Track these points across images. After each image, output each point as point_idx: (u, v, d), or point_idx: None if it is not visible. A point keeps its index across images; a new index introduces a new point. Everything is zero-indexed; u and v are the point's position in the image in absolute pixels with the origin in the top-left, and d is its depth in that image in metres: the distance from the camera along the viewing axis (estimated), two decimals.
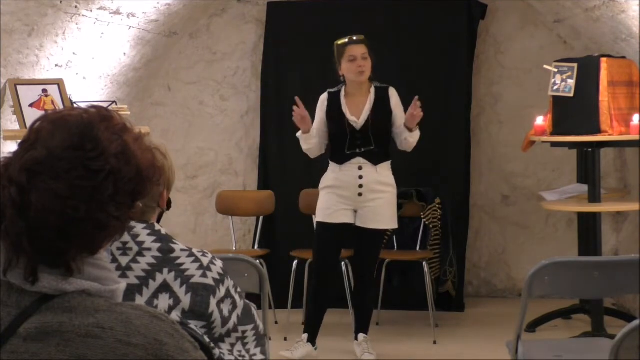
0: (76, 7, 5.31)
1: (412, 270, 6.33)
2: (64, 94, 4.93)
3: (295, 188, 6.46)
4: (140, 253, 2.30)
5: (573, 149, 6.18)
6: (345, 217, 5.31)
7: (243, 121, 7.19)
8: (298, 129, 5.40)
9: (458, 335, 5.99)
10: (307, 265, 5.84)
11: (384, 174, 5.33)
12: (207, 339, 2.26)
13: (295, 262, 6.08)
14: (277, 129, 6.86)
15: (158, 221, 2.41)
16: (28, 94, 4.82)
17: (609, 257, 5.96)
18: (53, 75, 5.32)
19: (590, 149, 5.61)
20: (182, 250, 2.34)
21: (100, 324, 1.36)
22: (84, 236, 1.39)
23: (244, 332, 2.36)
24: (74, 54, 5.56)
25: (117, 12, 5.70)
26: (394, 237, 6.36)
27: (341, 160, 5.33)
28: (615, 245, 6.92)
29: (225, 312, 2.31)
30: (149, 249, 2.31)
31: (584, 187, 5.77)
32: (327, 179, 5.39)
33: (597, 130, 5.48)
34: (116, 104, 5.42)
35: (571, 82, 5.58)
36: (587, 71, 5.53)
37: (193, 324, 2.25)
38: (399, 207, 6.28)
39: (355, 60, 5.26)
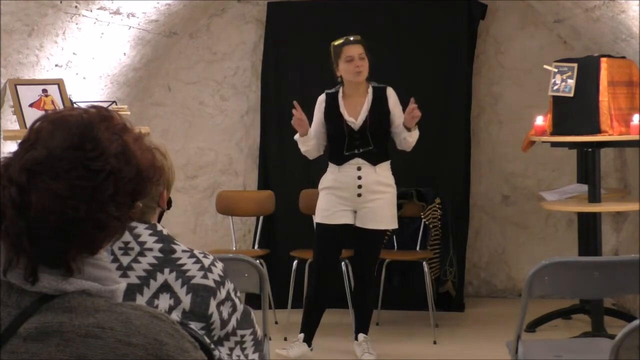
0: (76, 7, 5.31)
1: (412, 270, 6.33)
2: (64, 94, 4.93)
3: (295, 188, 6.46)
4: (141, 253, 2.30)
5: (573, 149, 6.18)
6: (344, 218, 5.31)
7: (243, 121, 7.19)
8: (297, 131, 5.40)
9: (458, 335, 5.99)
10: (307, 265, 5.84)
11: (383, 174, 5.33)
12: (207, 340, 2.26)
13: (295, 262, 6.08)
14: (277, 129, 6.86)
15: (159, 221, 2.42)
16: (28, 94, 4.82)
17: (609, 257, 5.96)
18: (53, 75, 5.32)
19: (590, 149, 5.61)
20: (183, 251, 2.34)
21: (100, 324, 1.36)
22: (84, 236, 1.39)
23: (242, 336, 2.37)
24: (74, 54, 5.56)
25: (117, 12, 5.70)
26: (394, 237, 6.36)
27: (340, 161, 5.32)
28: (615, 245, 6.92)
29: (225, 315, 2.32)
30: (151, 249, 2.31)
31: (584, 187, 5.77)
32: (326, 180, 5.39)
33: (597, 130, 5.48)
34: (116, 104, 5.42)
35: (571, 82, 5.58)
36: (587, 71, 5.53)
37: (192, 326, 2.25)
38: (399, 207, 6.29)
39: (352, 60, 5.26)
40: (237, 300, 2.37)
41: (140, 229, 2.32)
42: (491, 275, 7.13)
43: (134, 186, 1.43)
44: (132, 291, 2.25)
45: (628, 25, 5.48)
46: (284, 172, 6.86)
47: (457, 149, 6.74)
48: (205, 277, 2.31)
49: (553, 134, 5.73)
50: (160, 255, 2.31)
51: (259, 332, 2.45)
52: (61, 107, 4.57)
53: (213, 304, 2.30)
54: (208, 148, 7.21)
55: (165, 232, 2.36)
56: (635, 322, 2.72)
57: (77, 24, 5.43)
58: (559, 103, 5.68)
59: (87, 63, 5.76)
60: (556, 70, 5.66)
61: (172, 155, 2.49)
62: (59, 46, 5.39)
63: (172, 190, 2.48)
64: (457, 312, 6.55)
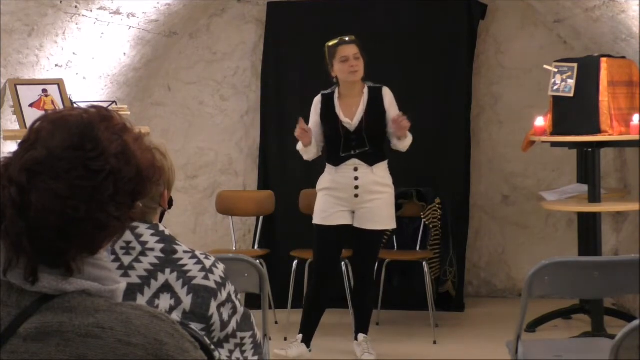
0: (76, 7, 5.31)
1: (412, 270, 6.33)
2: (64, 94, 4.92)
3: (295, 188, 6.46)
4: (143, 253, 2.30)
5: (573, 149, 6.18)
6: (342, 219, 5.30)
7: (243, 121, 7.19)
8: (297, 139, 5.40)
9: (458, 335, 5.99)
10: (307, 265, 5.84)
11: (380, 174, 5.32)
12: (207, 340, 2.26)
13: (295, 262, 6.08)
14: (277, 129, 6.86)
15: (160, 221, 2.42)
16: (28, 94, 4.82)
17: (609, 257, 5.96)
18: (53, 75, 5.32)
19: (590, 149, 5.61)
20: (184, 251, 2.34)
21: (100, 324, 1.36)
22: (84, 236, 1.39)
23: (242, 338, 2.37)
24: (74, 54, 5.56)
25: (117, 12, 5.70)
26: (394, 237, 6.36)
27: (337, 162, 5.32)
28: (615, 245, 6.92)
29: (225, 316, 2.32)
30: (152, 249, 2.31)
31: (584, 187, 5.77)
32: (323, 181, 5.39)
33: (597, 130, 5.48)
34: (116, 104, 5.42)
35: (571, 82, 5.58)
36: (587, 71, 5.53)
37: (192, 326, 2.25)
38: (399, 207, 6.29)
39: (347, 60, 5.25)
40: (237, 303, 2.37)
41: (142, 228, 2.32)
42: (491, 275, 7.13)
43: (134, 186, 1.43)
44: (132, 291, 2.26)
45: (628, 25, 5.48)
46: (284, 172, 6.86)
47: (457, 149, 6.74)
48: (206, 278, 2.31)
49: (553, 134, 5.73)
50: (161, 255, 2.31)
51: (259, 335, 2.45)
52: (61, 107, 4.57)
53: (214, 305, 2.30)
54: (208, 148, 7.21)
55: (167, 232, 2.36)
56: (635, 322, 2.72)
57: (77, 24, 5.43)
58: (559, 103, 5.68)
59: (87, 63, 5.76)
60: (556, 70, 5.66)
61: (172, 155, 2.49)
62: (59, 46, 5.39)
63: (172, 190, 2.48)
64: (457, 312, 6.55)
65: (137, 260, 2.30)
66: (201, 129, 7.19)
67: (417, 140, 6.56)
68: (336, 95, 5.36)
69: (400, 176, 6.32)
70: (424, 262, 5.99)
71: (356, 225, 5.31)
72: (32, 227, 1.37)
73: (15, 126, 4.91)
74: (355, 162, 5.29)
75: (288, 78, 6.89)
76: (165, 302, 2.27)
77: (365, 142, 5.26)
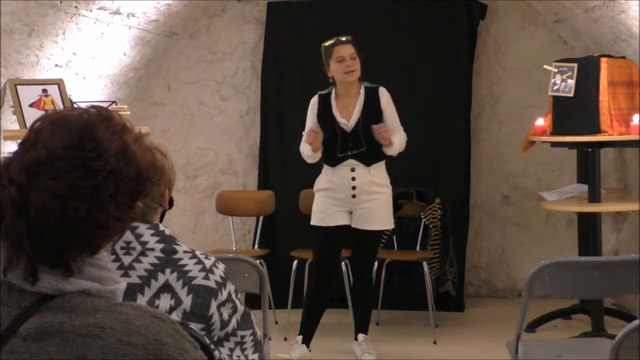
0: (76, 7, 5.31)
1: (412, 270, 6.33)
2: (64, 94, 4.92)
3: (295, 188, 6.46)
4: (143, 253, 2.30)
5: (573, 149, 6.17)
6: (340, 220, 5.30)
7: (243, 121, 7.19)
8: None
9: (458, 335, 5.99)
10: (307, 265, 5.84)
11: (377, 174, 5.31)
12: (207, 340, 2.26)
13: (295, 262, 6.08)
14: (277, 129, 6.86)
15: (160, 220, 2.42)
16: (28, 94, 4.82)
17: (609, 257, 5.96)
18: (53, 75, 5.32)
19: (590, 149, 5.61)
20: (185, 252, 2.34)
21: (100, 324, 1.36)
22: (84, 236, 1.39)
23: (242, 337, 2.37)
24: (74, 54, 5.56)
25: (117, 12, 5.70)
26: (394, 237, 6.36)
27: (334, 162, 5.31)
28: (615, 245, 6.92)
29: (225, 316, 2.32)
30: (152, 249, 2.31)
31: (584, 187, 5.77)
32: (321, 182, 5.39)
33: (597, 130, 5.48)
34: (116, 104, 5.42)
35: (571, 82, 5.58)
36: (587, 71, 5.53)
37: (192, 326, 2.25)
38: (399, 207, 6.29)
39: (343, 60, 5.23)
40: (237, 302, 2.37)
41: (142, 228, 2.32)
42: (491, 275, 7.13)
43: (134, 186, 1.43)
44: (133, 291, 2.26)
45: (628, 25, 5.48)
46: (284, 172, 6.86)
47: (457, 149, 6.74)
48: (206, 278, 2.31)
49: (553, 134, 5.73)
50: (161, 255, 2.31)
51: (259, 333, 2.45)
52: (61, 107, 4.57)
53: (214, 305, 2.29)
54: (208, 148, 7.21)
55: (167, 232, 2.36)
56: (635, 322, 2.72)
57: (77, 24, 5.43)
58: (559, 103, 5.68)
59: (87, 63, 5.76)
60: (556, 70, 5.66)
61: (172, 155, 2.49)
62: (59, 46, 5.39)
63: (173, 190, 2.48)
64: (457, 312, 6.55)
65: (137, 260, 2.30)
66: (201, 129, 7.19)
67: (417, 140, 6.58)
68: (333, 95, 5.35)
69: (400, 176, 6.32)
70: (424, 262, 5.99)
71: (354, 225, 5.31)
72: (32, 227, 1.37)
73: (15, 126, 4.91)
74: (352, 162, 5.28)
75: (288, 78, 6.89)
76: (165, 302, 2.27)
77: (362, 143, 5.25)
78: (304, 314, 5.43)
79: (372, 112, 5.29)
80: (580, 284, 3.70)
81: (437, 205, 6.34)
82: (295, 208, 6.36)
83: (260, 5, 7.08)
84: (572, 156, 6.56)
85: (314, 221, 5.37)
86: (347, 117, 5.29)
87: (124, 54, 6.22)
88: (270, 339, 3.75)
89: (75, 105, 4.17)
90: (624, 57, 5.70)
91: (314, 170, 5.74)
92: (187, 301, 2.28)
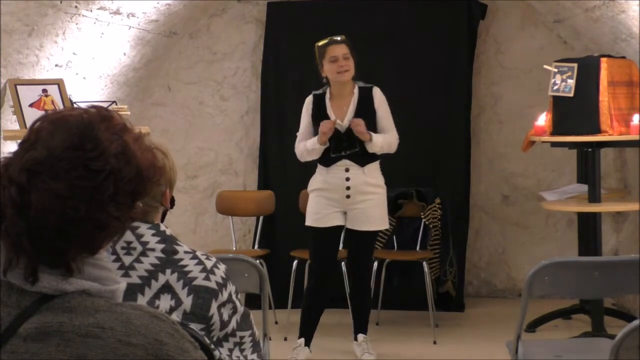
0: (76, 7, 5.31)
1: (412, 270, 6.33)
2: (64, 94, 4.92)
3: (295, 188, 6.45)
4: (143, 253, 2.30)
5: (573, 149, 6.18)
6: (336, 220, 5.29)
7: (243, 121, 7.19)
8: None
9: (458, 335, 5.99)
10: (307, 265, 5.84)
11: (371, 174, 5.30)
12: (207, 340, 2.26)
13: (295, 262, 6.08)
14: (277, 129, 6.86)
15: (162, 220, 2.41)
16: (28, 94, 4.82)
17: (609, 257, 5.96)
18: (53, 75, 5.32)
19: (590, 149, 5.61)
20: (185, 252, 2.34)
21: (100, 324, 1.36)
22: (84, 236, 1.39)
23: (241, 337, 2.36)
24: (74, 54, 5.56)
25: (117, 12, 5.70)
26: (394, 237, 6.36)
27: (328, 162, 5.30)
28: (615, 245, 6.92)
29: (225, 316, 2.31)
30: (153, 250, 2.31)
31: (584, 187, 5.77)
32: (315, 182, 5.38)
33: (597, 130, 5.48)
34: (116, 104, 5.42)
35: (571, 82, 5.58)
36: (587, 71, 5.53)
37: (192, 327, 2.24)
38: (399, 207, 6.29)
39: (336, 60, 5.22)
40: (237, 303, 2.37)
41: (143, 228, 2.32)
42: (491, 275, 7.13)
43: (134, 186, 1.43)
44: (133, 291, 2.25)
45: (628, 25, 5.48)
46: (284, 172, 6.85)
47: (457, 149, 6.74)
48: (207, 278, 2.30)
49: (553, 134, 5.73)
50: (162, 255, 2.31)
51: (257, 334, 2.45)
52: (61, 107, 4.57)
53: (214, 305, 2.29)
54: (208, 148, 7.21)
55: (168, 232, 2.36)
56: (635, 322, 2.72)
57: (77, 24, 5.43)
58: (559, 103, 5.68)
59: (87, 63, 5.76)
60: (556, 70, 5.66)
61: (172, 155, 2.49)
62: (59, 46, 5.39)
63: (173, 190, 2.47)
64: (457, 312, 6.55)
65: (137, 260, 2.30)
66: (201, 129, 7.19)
67: (417, 140, 6.59)
68: (327, 95, 5.34)
69: (400, 176, 6.33)
70: (424, 262, 5.98)
71: (349, 226, 5.30)
72: (32, 227, 1.37)
73: (15, 126, 4.91)
74: (346, 162, 5.27)
75: (288, 78, 6.88)
76: (165, 302, 2.27)
77: (356, 143, 5.23)
78: (303, 315, 5.43)
79: (365, 112, 5.27)
80: (580, 284, 3.70)
81: (437, 205, 6.34)
82: (295, 208, 6.36)
83: (260, 5, 7.08)
84: (572, 156, 6.56)
85: (309, 222, 5.37)
86: (341, 117, 5.27)
87: (124, 54, 6.22)
88: (270, 339, 3.75)
89: (75, 105, 4.17)
90: (624, 57, 5.70)
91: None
92: (187, 302, 2.27)
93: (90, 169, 1.38)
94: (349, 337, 5.59)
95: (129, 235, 2.30)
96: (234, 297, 2.35)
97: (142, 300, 2.25)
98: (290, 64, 6.89)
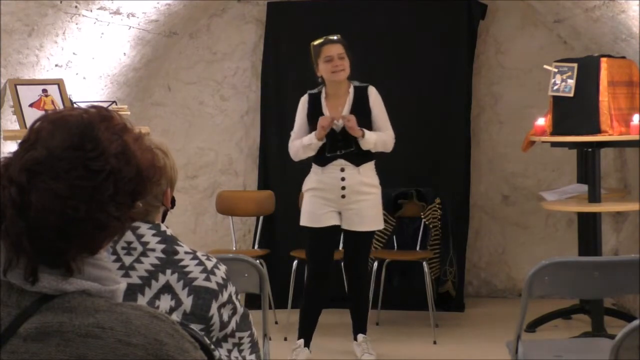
0: (76, 7, 5.31)
1: (412, 270, 6.33)
2: (64, 94, 4.92)
3: (295, 188, 6.43)
4: (144, 253, 2.30)
5: (573, 149, 6.18)
6: (331, 220, 5.28)
7: (243, 121, 7.20)
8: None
9: (458, 335, 5.99)
10: (307, 266, 5.84)
11: (367, 174, 5.29)
12: (207, 340, 2.26)
13: (295, 262, 6.08)
14: (277, 129, 6.86)
15: (163, 220, 2.41)
16: (28, 94, 4.82)
17: (609, 257, 5.96)
18: (53, 75, 5.32)
19: (590, 149, 5.61)
20: (186, 252, 2.33)
21: (100, 324, 1.36)
22: (84, 236, 1.39)
23: (240, 338, 2.37)
24: (74, 54, 5.56)
25: (117, 12, 5.70)
26: (394, 237, 6.36)
27: (323, 162, 5.29)
28: (615, 245, 6.92)
29: (225, 317, 2.31)
30: (153, 250, 2.30)
31: (584, 187, 5.77)
32: (310, 181, 5.37)
33: (597, 130, 5.48)
34: (116, 104, 5.42)
35: (571, 82, 5.58)
36: (587, 71, 5.53)
37: (192, 327, 2.24)
38: (399, 207, 6.30)
39: (331, 60, 5.21)
40: (237, 303, 2.37)
41: (144, 229, 2.32)
42: (491, 275, 7.13)
43: (134, 186, 1.43)
44: (133, 291, 2.25)
45: (628, 25, 5.48)
46: (284, 172, 6.85)
47: (457, 149, 6.74)
48: (207, 279, 2.30)
49: (553, 134, 5.73)
50: (162, 256, 2.30)
51: (256, 334, 2.45)
52: (61, 107, 4.57)
53: (214, 306, 2.29)
54: (208, 148, 7.21)
55: (169, 232, 2.36)
56: (635, 322, 2.72)
57: (77, 24, 5.43)
58: (559, 103, 5.68)
59: (87, 63, 5.76)
60: (556, 70, 5.66)
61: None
62: (59, 46, 5.39)
63: (174, 189, 2.47)
64: (457, 312, 6.55)
65: (138, 260, 2.30)
66: (201, 129, 7.19)
67: (417, 140, 6.60)
68: (323, 95, 5.34)
69: (400, 176, 6.33)
70: (424, 262, 5.98)
71: (344, 226, 5.29)
72: (32, 227, 1.37)
73: (15, 126, 4.91)
74: (341, 162, 5.26)
75: (288, 78, 6.88)
76: (165, 303, 2.27)
77: (352, 142, 5.22)
78: (302, 315, 5.42)
79: (361, 111, 5.26)
80: (580, 284, 3.70)
81: (437, 205, 6.34)
82: (295, 208, 6.34)
83: (260, 5, 7.08)
84: (572, 156, 6.56)
85: (304, 222, 5.36)
86: (337, 116, 5.26)
87: (124, 54, 6.22)
88: (270, 339, 3.75)
89: (75, 105, 4.17)
90: (624, 57, 5.70)
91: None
92: (187, 302, 2.27)
93: (90, 169, 1.38)
94: (348, 337, 5.58)
95: (129, 236, 2.30)
96: (234, 297, 2.35)
97: (142, 301, 2.25)
98: (290, 64, 6.88)
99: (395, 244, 6.38)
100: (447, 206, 6.41)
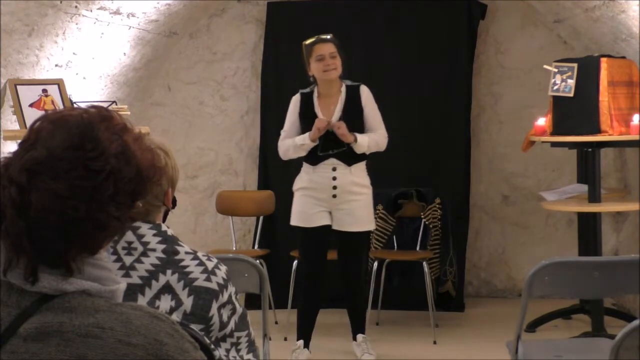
0: (76, 7, 5.31)
1: (412, 270, 6.32)
2: (64, 94, 4.92)
3: None
4: (144, 253, 2.30)
5: (573, 149, 6.18)
6: (323, 220, 5.26)
7: (243, 121, 7.20)
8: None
9: (458, 335, 5.98)
10: None
11: (358, 174, 5.28)
12: (206, 340, 2.26)
13: (295, 262, 6.07)
14: (277, 129, 6.81)
15: (164, 220, 2.41)
16: (28, 94, 4.82)
17: (609, 257, 5.96)
18: (53, 75, 5.32)
19: (590, 149, 5.61)
20: (186, 252, 2.33)
21: (100, 324, 1.36)
22: (84, 236, 1.39)
23: (238, 338, 2.37)
24: (74, 54, 5.56)
25: (117, 12, 5.70)
26: (394, 237, 6.36)
27: (314, 161, 5.27)
28: (615, 245, 6.92)
29: (225, 317, 2.31)
30: (154, 250, 2.30)
31: (584, 187, 5.77)
32: (301, 181, 5.36)
33: (597, 130, 5.48)
34: (116, 104, 5.42)
35: (571, 82, 5.58)
36: (587, 71, 5.53)
37: (192, 327, 2.24)
38: (399, 207, 6.29)
39: (323, 59, 5.20)
40: (237, 304, 2.37)
41: (144, 229, 2.32)
42: (491, 275, 7.13)
43: (134, 186, 1.43)
44: (133, 291, 2.25)
45: (628, 25, 5.48)
46: (284, 172, 6.83)
47: (457, 149, 6.74)
48: (208, 279, 2.30)
49: (553, 134, 5.73)
50: (163, 256, 2.30)
51: (253, 334, 2.45)
52: (61, 107, 4.57)
53: (215, 306, 2.29)
54: (208, 148, 7.21)
55: (169, 232, 2.35)
56: (635, 322, 2.72)
57: (77, 24, 5.43)
58: (559, 103, 5.68)
59: (87, 63, 5.76)
60: (556, 70, 5.66)
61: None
62: (59, 46, 5.39)
63: (175, 189, 2.47)
64: (457, 312, 6.55)
65: (138, 260, 2.29)
66: (201, 129, 7.19)
67: (417, 140, 6.60)
68: (315, 94, 5.32)
69: (400, 176, 6.33)
70: (424, 262, 5.98)
71: (335, 227, 5.27)
72: (32, 227, 1.37)
73: (15, 126, 4.91)
74: (333, 161, 5.24)
75: (288, 78, 6.87)
76: (165, 303, 2.27)
77: (343, 142, 5.22)
78: (300, 316, 5.41)
79: (353, 111, 5.25)
80: (580, 284, 3.70)
81: (437, 205, 6.34)
82: None
83: (260, 5, 7.08)
84: (572, 156, 6.56)
85: (295, 221, 5.35)
86: (329, 115, 5.25)
87: (124, 54, 6.22)
88: (270, 339, 3.75)
89: (75, 105, 4.17)
90: (624, 57, 5.70)
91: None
92: (187, 302, 2.27)
93: (90, 169, 1.38)
94: (348, 337, 5.58)
95: (130, 236, 2.30)
96: (233, 298, 2.35)
97: (142, 301, 2.25)
98: (290, 64, 6.86)
99: (395, 244, 6.38)
100: (447, 206, 6.41)
